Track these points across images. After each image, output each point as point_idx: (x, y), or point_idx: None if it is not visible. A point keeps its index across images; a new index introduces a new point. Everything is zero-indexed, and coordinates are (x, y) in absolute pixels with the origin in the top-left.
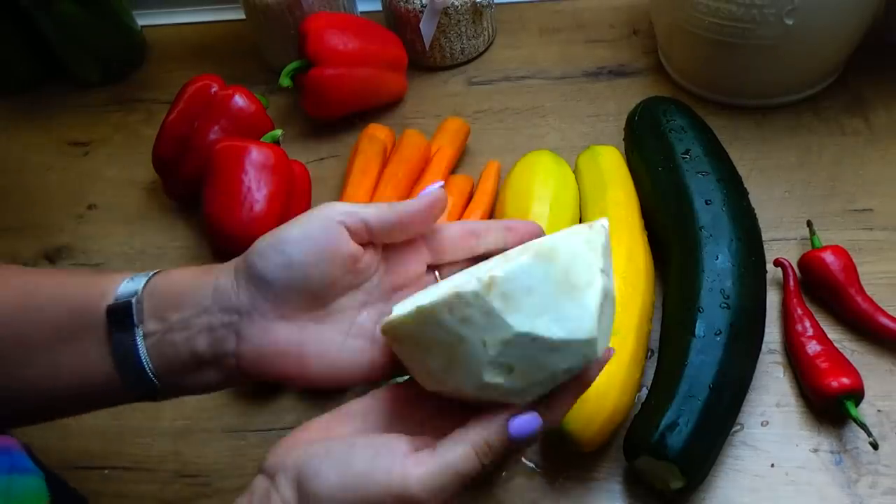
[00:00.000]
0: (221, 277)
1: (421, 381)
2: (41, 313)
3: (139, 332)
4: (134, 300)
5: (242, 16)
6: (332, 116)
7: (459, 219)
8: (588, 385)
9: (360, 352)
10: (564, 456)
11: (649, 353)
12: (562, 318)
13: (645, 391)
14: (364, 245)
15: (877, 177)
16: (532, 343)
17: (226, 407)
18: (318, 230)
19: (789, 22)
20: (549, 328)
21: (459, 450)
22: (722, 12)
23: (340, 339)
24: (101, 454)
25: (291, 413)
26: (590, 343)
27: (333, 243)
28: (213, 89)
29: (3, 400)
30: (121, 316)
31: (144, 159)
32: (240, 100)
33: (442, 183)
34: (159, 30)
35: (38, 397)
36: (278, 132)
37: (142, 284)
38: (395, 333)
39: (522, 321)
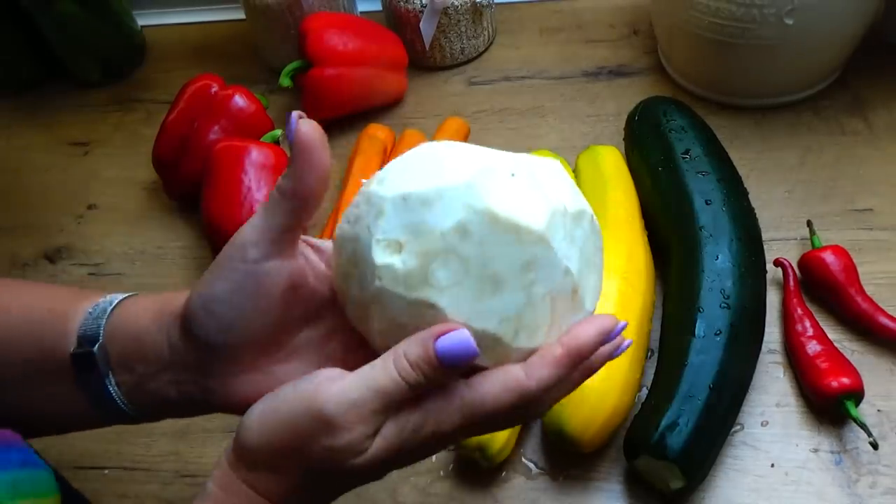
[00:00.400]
0: (173, 333)
1: (366, 335)
2: (9, 353)
3: (110, 381)
4: (96, 348)
5: (242, 16)
6: (332, 116)
7: None
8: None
9: None
10: (564, 456)
11: (649, 353)
12: (434, 175)
13: (645, 391)
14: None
15: (877, 177)
16: (404, 204)
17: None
18: (242, 277)
19: (789, 22)
20: (419, 184)
21: (378, 363)
22: (722, 12)
23: None
24: (101, 454)
25: None
26: (468, 191)
27: (263, 286)
28: (213, 89)
29: None
30: (86, 365)
31: (144, 159)
32: (240, 100)
33: (297, 113)
34: (159, 30)
35: (23, 423)
36: (278, 132)
37: (101, 326)
38: (339, 291)
39: (394, 188)
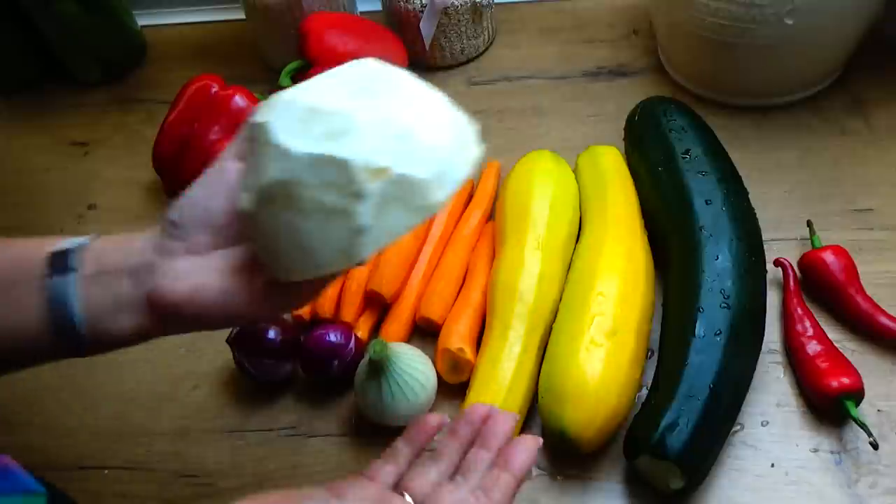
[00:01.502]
0: (154, 231)
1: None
2: None
3: (75, 276)
4: (76, 246)
5: (242, 16)
6: None
7: (459, 220)
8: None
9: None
10: (564, 456)
11: (649, 353)
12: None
13: (645, 391)
14: None
15: (877, 177)
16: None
17: (226, 407)
18: (214, 171)
19: (789, 22)
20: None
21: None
22: (722, 12)
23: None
24: (101, 454)
25: (291, 414)
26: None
27: (224, 180)
28: (214, 90)
29: None
30: (61, 260)
31: (144, 159)
32: (240, 100)
33: None
34: (159, 30)
35: None
36: None
37: (87, 238)
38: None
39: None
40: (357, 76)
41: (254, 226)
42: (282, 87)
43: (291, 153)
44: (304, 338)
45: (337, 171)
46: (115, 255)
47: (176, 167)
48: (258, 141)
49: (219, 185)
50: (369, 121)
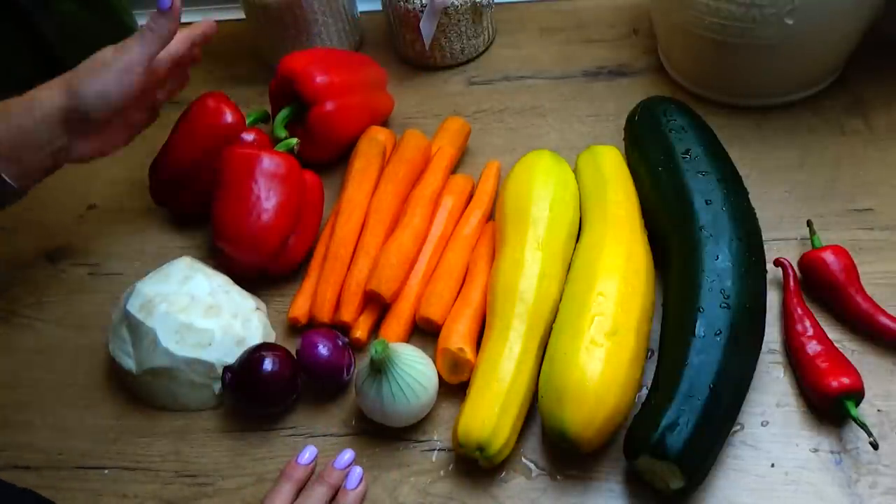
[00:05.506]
0: (48, 116)
1: None
2: None
3: None
4: None
5: (242, 16)
6: (337, 153)
7: (459, 220)
8: None
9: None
10: (564, 456)
11: (649, 353)
12: None
13: (645, 391)
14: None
15: (877, 177)
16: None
17: (226, 407)
18: (122, 75)
19: (789, 22)
20: None
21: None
22: (722, 12)
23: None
24: (101, 454)
25: (291, 414)
26: None
27: (134, 81)
28: (227, 118)
29: None
30: None
31: (144, 159)
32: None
33: None
34: None
35: None
36: (293, 141)
37: None
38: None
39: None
40: (204, 293)
41: (138, 384)
42: (278, 139)
43: (176, 356)
44: (297, 353)
45: (204, 366)
46: (28, 148)
47: (174, 188)
48: (143, 335)
49: (127, 90)
50: (221, 337)
